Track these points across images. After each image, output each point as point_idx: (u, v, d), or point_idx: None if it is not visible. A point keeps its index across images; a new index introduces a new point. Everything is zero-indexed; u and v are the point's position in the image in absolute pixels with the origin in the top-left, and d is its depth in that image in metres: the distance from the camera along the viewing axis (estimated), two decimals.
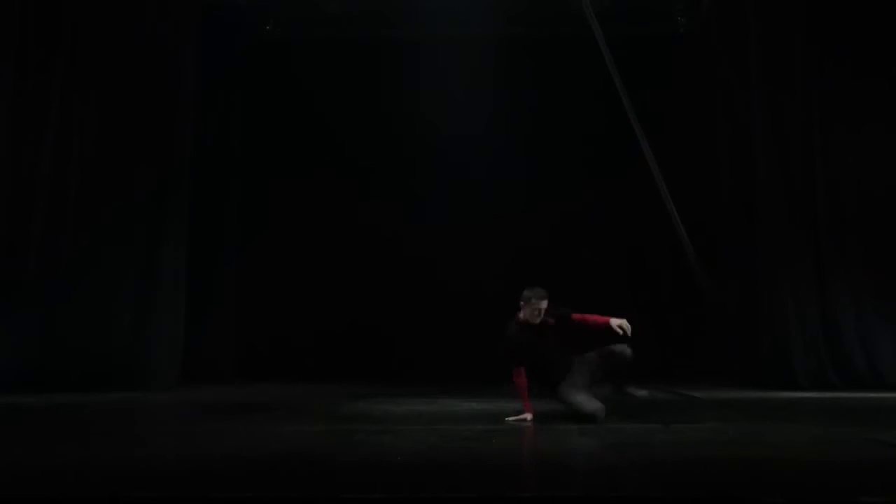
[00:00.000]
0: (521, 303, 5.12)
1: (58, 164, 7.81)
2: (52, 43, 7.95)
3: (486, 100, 9.47)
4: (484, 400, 6.31)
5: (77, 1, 8.05)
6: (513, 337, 4.96)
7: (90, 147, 7.88)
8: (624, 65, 9.70)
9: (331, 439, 3.61)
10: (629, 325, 4.84)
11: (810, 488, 2.85)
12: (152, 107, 8.00)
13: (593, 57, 9.09)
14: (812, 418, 5.12)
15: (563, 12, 9.31)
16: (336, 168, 9.69)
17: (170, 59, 8.15)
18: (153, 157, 7.94)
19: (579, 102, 9.71)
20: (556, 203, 9.67)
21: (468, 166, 9.52)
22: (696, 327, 9.29)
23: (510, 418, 4.78)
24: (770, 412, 5.51)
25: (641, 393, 5.14)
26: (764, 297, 7.84)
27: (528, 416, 4.73)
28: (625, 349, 4.92)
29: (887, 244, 7.49)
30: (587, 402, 4.70)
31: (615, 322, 4.92)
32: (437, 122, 9.38)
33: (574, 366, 4.99)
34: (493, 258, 9.44)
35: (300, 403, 6.40)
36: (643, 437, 4.12)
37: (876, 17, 7.71)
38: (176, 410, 6.09)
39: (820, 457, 3.48)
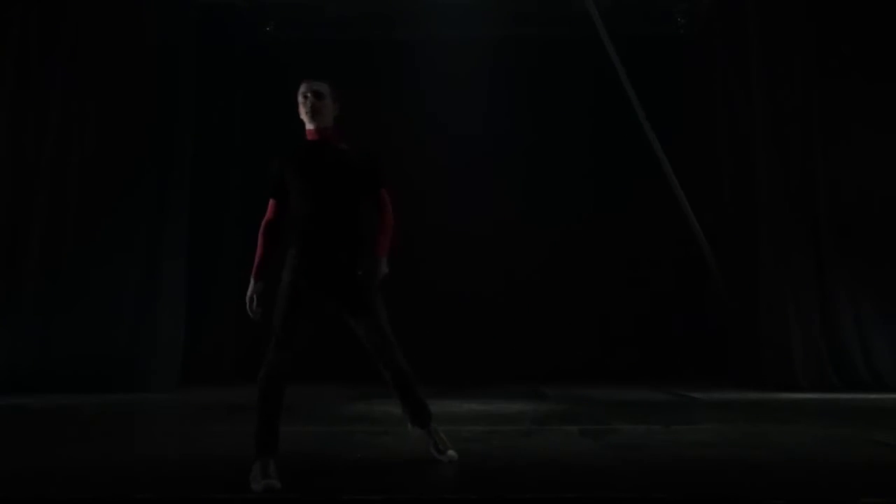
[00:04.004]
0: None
1: (58, 165, 7.82)
2: (53, 45, 7.96)
3: (486, 101, 9.49)
4: (484, 401, 6.31)
5: (78, 2, 8.05)
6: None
7: (90, 148, 7.89)
8: (624, 65, 9.73)
9: (331, 439, 3.61)
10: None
11: (810, 488, 2.85)
12: (152, 108, 8.00)
13: (593, 58, 9.13)
14: (812, 418, 5.12)
15: (564, 14, 9.34)
16: None
17: (170, 60, 8.15)
18: (153, 158, 7.94)
19: (580, 104, 9.72)
20: (556, 204, 9.68)
21: (468, 167, 9.53)
22: (696, 328, 9.29)
23: None
24: (770, 412, 5.51)
25: None
26: (764, 297, 7.84)
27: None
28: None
29: (887, 244, 7.49)
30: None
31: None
32: (437, 123, 9.39)
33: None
34: (493, 259, 9.45)
35: (300, 404, 6.39)
36: (643, 438, 4.12)
37: (876, 17, 7.71)
38: (176, 411, 6.09)
39: (820, 457, 3.48)
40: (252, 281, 3.21)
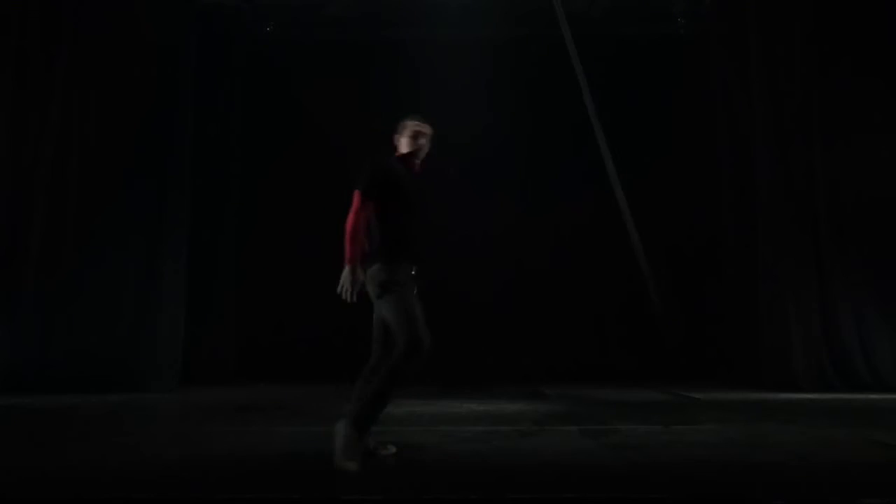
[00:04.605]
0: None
1: (57, 166, 7.81)
2: (52, 47, 7.96)
3: (486, 102, 9.47)
4: (484, 401, 6.31)
5: (77, 4, 8.05)
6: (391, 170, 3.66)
7: (90, 149, 7.89)
8: (624, 65, 9.74)
9: (331, 440, 3.61)
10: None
11: (810, 488, 2.85)
12: (152, 107, 8.01)
13: (592, 59, 9.13)
14: (812, 418, 5.12)
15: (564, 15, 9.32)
16: (336, 169, 9.67)
17: (170, 59, 8.16)
18: (153, 158, 7.95)
19: (578, 105, 9.70)
20: (556, 204, 9.67)
21: (467, 168, 9.52)
22: (696, 328, 9.29)
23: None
24: (770, 412, 5.51)
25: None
26: (764, 298, 7.84)
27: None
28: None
29: (887, 245, 7.49)
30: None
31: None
32: (436, 123, 9.37)
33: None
34: (492, 260, 9.44)
35: (300, 404, 6.40)
36: (643, 438, 4.12)
37: (876, 17, 7.71)
38: (176, 411, 6.09)
39: (820, 457, 3.48)
40: (352, 266, 3.48)
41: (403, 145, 3.81)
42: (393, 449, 3.62)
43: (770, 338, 7.71)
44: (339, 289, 3.49)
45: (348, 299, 3.47)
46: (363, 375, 3.65)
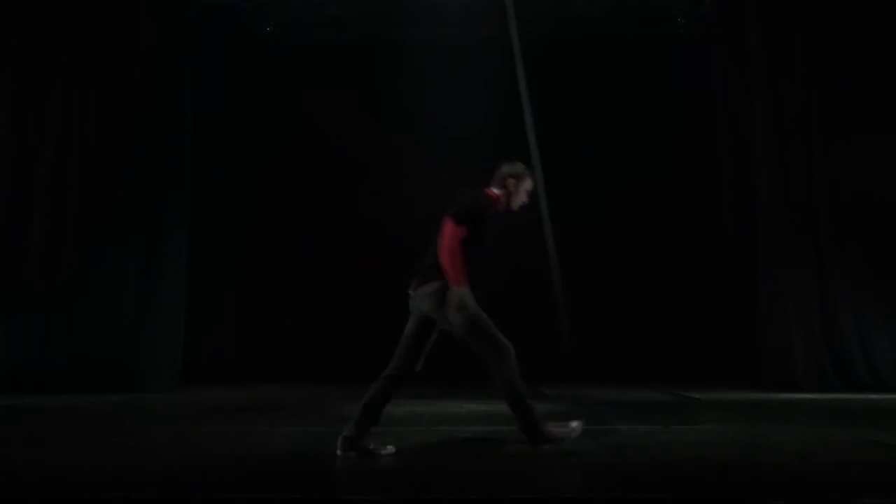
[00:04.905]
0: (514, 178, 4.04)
1: (57, 166, 7.81)
2: (52, 47, 7.96)
3: (486, 102, 9.47)
4: (484, 401, 6.30)
5: (78, 6, 8.05)
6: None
7: (90, 149, 7.88)
8: (624, 65, 9.73)
9: (331, 440, 3.61)
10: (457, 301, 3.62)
11: (810, 488, 2.85)
12: (152, 107, 8.01)
13: (593, 59, 9.12)
14: (812, 418, 5.12)
15: (564, 15, 9.34)
16: (337, 169, 9.69)
17: (170, 59, 8.17)
18: (153, 159, 7.96)
19: (579, 104, 9.71)
20: (556, 204, 9.65)
21: (468, 168, 9.50)
22: (696, 329, 9.28)
23: None
24: (770, 412, 5.51)
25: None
26: (764, 298, 7.84)
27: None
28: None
29: (887, 245, 7.49)
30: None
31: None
32: (437, 123, 9.39)
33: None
34: (492, 260, 9.40)
35: (300, 404, 6.40)
36: (643, 438, 4.12)
37: (876, 17, 7.71)
38: (176, 411, 6.09)
39: (820, 457, 3.48)
40: (466, 284, 3.66)
41: (507, 191, 3.98)
42: (393, 449, 3.61)
43: (770, 338, 7.71)
44: (455, 310, 3.61)
45: (469, 316, 3.65)
46: (379, 378, 3.68)
